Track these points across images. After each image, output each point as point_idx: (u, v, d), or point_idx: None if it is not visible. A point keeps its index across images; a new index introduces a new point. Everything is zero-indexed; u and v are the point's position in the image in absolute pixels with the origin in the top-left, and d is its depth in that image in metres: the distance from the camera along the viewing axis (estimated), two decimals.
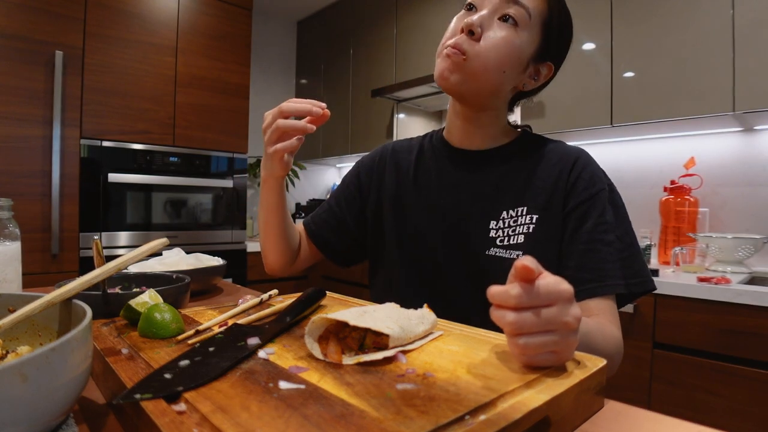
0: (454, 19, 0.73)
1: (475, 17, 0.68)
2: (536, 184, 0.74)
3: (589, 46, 1.88)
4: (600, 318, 0.66)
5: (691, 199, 1.82)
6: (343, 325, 0.44)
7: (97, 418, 0.39)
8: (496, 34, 0.68)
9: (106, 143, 2.18)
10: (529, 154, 0.77)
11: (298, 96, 3.61)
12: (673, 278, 1.49)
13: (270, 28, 3.48)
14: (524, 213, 0.73)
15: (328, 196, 0.95)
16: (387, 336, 0.42)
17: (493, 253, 0.72)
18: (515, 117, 0.86)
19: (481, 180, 0.77)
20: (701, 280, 1.43)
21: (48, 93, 1.99)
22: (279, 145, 0.69)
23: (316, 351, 0.42)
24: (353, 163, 1.04)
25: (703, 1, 1.59)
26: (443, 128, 0.88)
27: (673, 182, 1.86)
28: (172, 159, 2.39)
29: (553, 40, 0.72)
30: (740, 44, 1.51)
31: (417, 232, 0.80)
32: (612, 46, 1.81)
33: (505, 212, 0.74)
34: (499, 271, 0.69)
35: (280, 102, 0.70)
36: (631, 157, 2.08)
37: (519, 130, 0.84)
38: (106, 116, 2.17)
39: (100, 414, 0.40)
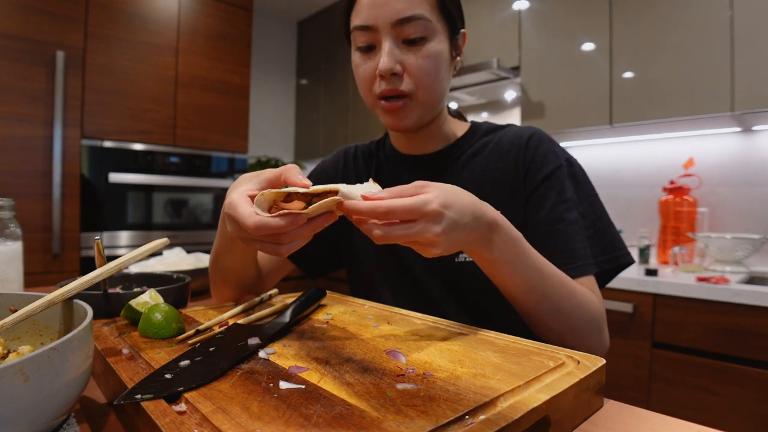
0: (358, 62, 0.68)
1: (385, 60, 0.63)
2: (494, 177, 0.71)
3: (588, 46, 1.88)
4: None
5: (690, 199, 1.82)
6: (286, 197, 0.45)
7: (98, 418, 0.40)
8: (418, 59, 0.64)
9: (107, 143, 2.18)
10: (481, 147, 0.74)
11: (298, 96, 3.61)
12: (672, 278, 1.49)
13: (270, 28, 3.48)
14: None
15: None
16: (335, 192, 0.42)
17: (462, 259, 0.70)
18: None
19: None
20: (700, 279, 1.43)
21: (49, 93, 1.99)
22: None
23: (266, 215, 0.41)
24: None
25: (702, 2, 1.59)
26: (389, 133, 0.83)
27: (672, 182, 1.86)
28: (172, 159, 2.39)
29: (454, 13, 0.68)
30: (739, 45, 1.51)
31: (389, 248, 0.76)
32: (611, 46, 1.81)
33: None
34: (472, 277, 0.67)
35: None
36: (631, 157, 2.08)
37: (468, 122, 0.80)
38: (107, 116, 2.18)
39: (101, 413, 0.40)
